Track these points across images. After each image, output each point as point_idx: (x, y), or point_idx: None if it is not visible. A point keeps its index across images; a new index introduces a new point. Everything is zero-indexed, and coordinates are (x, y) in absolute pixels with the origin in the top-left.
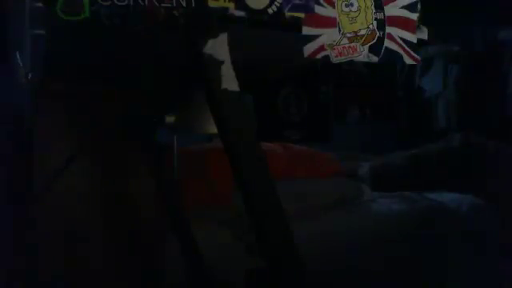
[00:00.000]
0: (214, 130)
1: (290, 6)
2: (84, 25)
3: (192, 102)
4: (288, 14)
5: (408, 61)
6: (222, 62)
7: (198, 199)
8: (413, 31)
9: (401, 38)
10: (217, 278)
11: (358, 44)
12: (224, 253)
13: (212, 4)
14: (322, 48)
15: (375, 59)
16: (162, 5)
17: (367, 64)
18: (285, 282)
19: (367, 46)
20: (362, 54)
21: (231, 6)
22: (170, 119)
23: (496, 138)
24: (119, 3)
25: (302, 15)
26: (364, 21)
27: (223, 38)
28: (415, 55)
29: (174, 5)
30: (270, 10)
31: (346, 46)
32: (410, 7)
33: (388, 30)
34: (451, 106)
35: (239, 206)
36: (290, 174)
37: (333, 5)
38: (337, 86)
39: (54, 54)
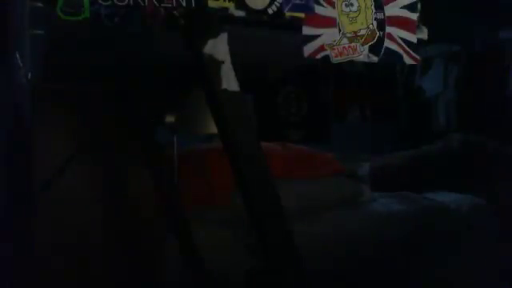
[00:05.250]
0: (214, 130)
1: (290, 5)
2: (84, 25)
3: (192, 101)
4: (288, 13)
5: (408, 61)
6: (222, 62)
7: (197, 199)
8: (413, 31)
9: (401, 38)
10: (217, 278)
11: (357, 44)
12: (224, 253)
13: (212, 4)
14: (321, 48)
15: (375, 59)
16: (162, 5)
17: (367, 64)
18: (285, 282)
19: (367, 46)
20: (362, 54)
21: (231, 5)
22: (170, 119)
23: (496, 138)
24: (119, 3)
25: (302, 15)
26: (364, 21)
27: (223, 37)
28: (415, 55)
29: (174, 5)
30: (269, 10)
31: (346, 46)
32: (409, 7)
33: (388, 29)
34: (451, 105)
35: (239, 206)
36: (290, 174)
37: (333, 5)
38: (337, 85)
39: (54, 54)
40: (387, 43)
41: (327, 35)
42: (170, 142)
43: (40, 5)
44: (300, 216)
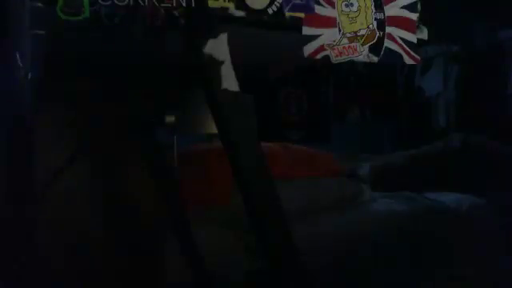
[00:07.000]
0: (214, 129)
1: (290, 5)
2: (84, 25)
3: (192, 101)
4: (288, 13)
5: (408, 61)
6: (222, 62)
7: (197, 199)
8: (413, 31)
9: (401, 38)
10: (217, 278)
11: (357, 44)
12: (224, 253)
13: (212, 4)
14: (321, 48)
15: (375, 59)
16: (162, 5)
17: (367, 64)
18: (285, 282)
19: (367, 46)
20: (362, 54)
21: (231, 6)
22: (170, 119)
23: (496, 138)
24: (119, 3)
25: (302, 15)
26: (364, 21)
27: (223, 38)
28: (415, 55)
29: (174, 5)
30: (269, 10)
31: (346, 46)
32: (410, 7)
33: (388, 29)
34: (451, 105)
35: (239, 206)
36: (290, 174)
37: (333, 5)
38: (337, 86)
39: (54, 53)
40: (387, 43)
41: (327, 35)
42: (169, 141)
43: (40, 5)
44: (300, 216)
